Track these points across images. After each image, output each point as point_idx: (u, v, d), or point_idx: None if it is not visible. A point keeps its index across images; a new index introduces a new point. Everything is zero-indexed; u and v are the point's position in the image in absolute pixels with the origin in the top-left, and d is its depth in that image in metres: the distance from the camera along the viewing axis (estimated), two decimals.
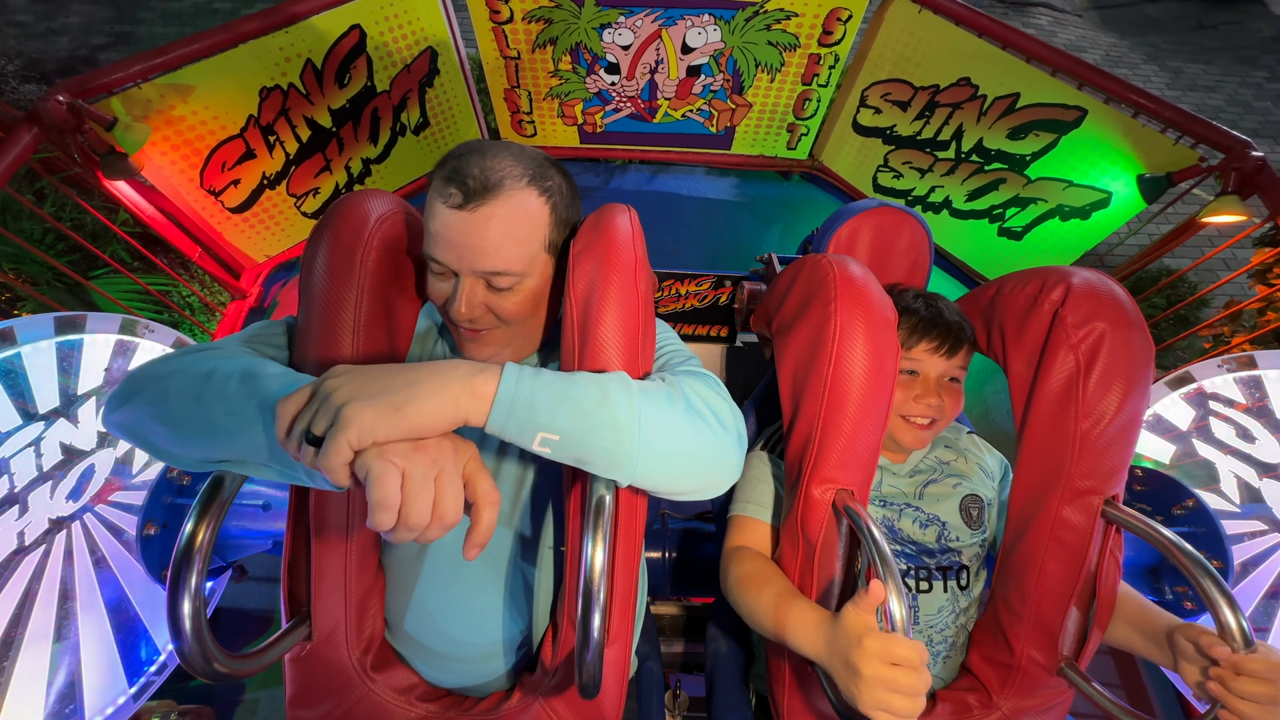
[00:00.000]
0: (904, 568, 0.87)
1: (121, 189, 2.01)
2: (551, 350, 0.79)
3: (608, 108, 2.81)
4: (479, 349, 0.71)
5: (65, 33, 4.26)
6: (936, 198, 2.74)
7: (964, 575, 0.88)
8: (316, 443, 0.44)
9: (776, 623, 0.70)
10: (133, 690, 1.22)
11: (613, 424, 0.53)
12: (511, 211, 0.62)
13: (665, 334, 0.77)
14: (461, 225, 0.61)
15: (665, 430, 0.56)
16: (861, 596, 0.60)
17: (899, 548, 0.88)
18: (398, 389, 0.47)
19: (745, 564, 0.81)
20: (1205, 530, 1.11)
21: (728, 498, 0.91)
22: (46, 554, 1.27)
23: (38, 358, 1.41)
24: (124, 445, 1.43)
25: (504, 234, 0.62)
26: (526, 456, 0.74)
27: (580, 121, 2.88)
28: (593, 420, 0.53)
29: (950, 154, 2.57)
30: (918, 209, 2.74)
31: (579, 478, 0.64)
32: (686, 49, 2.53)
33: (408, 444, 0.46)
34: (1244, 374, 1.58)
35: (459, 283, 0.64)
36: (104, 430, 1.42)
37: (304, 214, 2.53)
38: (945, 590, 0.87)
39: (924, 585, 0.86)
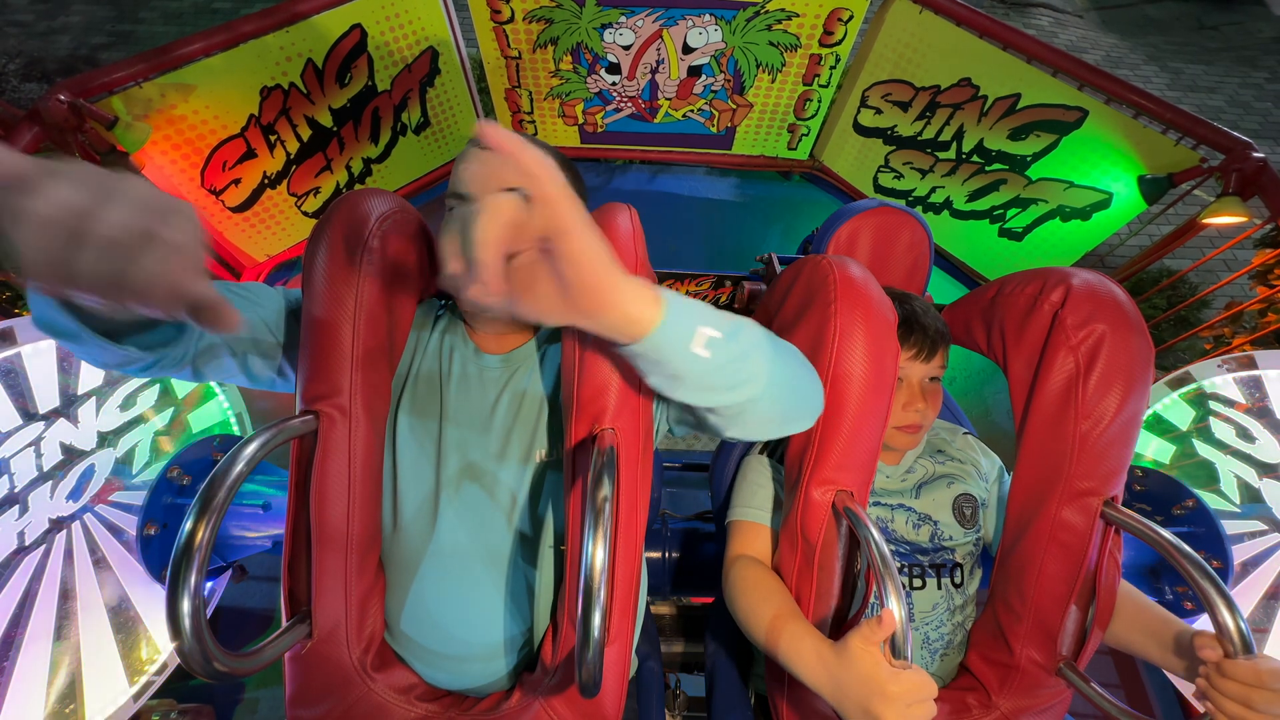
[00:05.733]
0: (898, 565, 0.87)
1: None
2: (550, 337, 0.80)
3: (608, 108, 2.81)
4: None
5: (66, 32, 4.26)
6: (937, 198, 2.74)
7: (958, 573, 0.89)
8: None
9: (771, 644, 0.70)
10: (133, 690, 1.22)
11: (738, 324, 0.55)
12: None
13: None
14: (479, 154, 0.70)
15: (776, 351, 0.58)
16: (869, 627, 0.59)
17: (893, 547, 0.88)
18: None
19: (745, 574, 0.80)
20: (1205, 530, 1.11)
21: (727, 501, 0.91)
22: (46, 554, 1.27)
23: (38, 358, 1.41)
24: (124, 445, 1.43)
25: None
26: (527, 457, 0.74)
27: (581, 121, 2.89)
28: (731, 322, 0.54)
29: (951, 154, 2.58)
30: (918, 209, 2.74)
31: (579, 476, 0.65)
32: (687, 49, 2.53)
33: None
34: (1244, 374, 1.57)
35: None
36: (104, 430, 1.42)
37: (305, 213, 2.53)
38: (940, 588, 0.87)
39: (917, 582, 0.87)
